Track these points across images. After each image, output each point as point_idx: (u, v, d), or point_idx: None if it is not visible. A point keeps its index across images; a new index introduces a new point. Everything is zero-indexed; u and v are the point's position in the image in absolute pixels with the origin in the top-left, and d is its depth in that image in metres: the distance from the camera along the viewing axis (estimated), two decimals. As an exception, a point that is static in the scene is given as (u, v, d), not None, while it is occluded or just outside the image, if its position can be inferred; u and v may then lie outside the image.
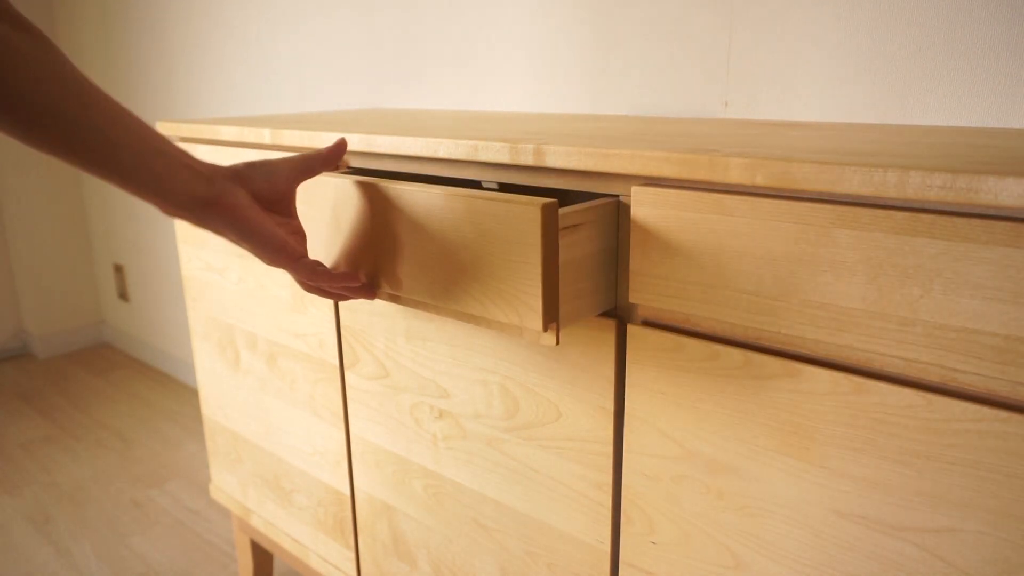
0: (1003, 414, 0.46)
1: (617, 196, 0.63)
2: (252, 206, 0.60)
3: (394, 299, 0.68)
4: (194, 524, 1.61)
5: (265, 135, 0.96)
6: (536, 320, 0.56)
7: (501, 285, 0.58)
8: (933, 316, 0.47)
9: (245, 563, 1.36)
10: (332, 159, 0.67)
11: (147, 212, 2.33)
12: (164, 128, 1.16)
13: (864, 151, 0.55)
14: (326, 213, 0.70)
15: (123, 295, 2.59)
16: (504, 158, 0.67)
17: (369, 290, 0.69)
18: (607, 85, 1.09)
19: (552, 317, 0.56)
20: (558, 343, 0.56)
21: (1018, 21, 0.75)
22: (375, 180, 0.66)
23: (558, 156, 0.64)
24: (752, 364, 0.56)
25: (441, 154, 0.73)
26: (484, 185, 0.71)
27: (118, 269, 2.57)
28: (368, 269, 0.68)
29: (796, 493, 0.56)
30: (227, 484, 1.26)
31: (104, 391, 2.31)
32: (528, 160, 0.66)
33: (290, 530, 1.13)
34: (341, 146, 0.68)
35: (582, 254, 0.60)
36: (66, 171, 2.63)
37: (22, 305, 2.63)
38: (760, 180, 0.52)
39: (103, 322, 2.77)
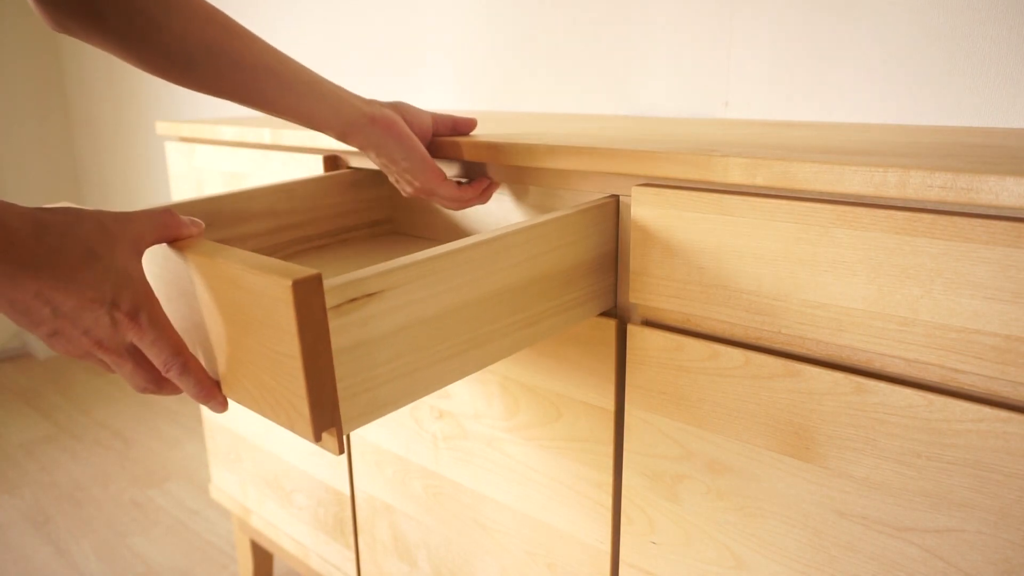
0: (1004, 414, 0.46)
1: (617, 196, 0.63)
2: (408, 127, 0.67)
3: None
4: (194, 524, 1.61)
5: (265, 135, 0.97)
6: (306, 427, 0.45)
7: (266, 378, 0.46)
8: (933, 316, 0.47)
9: (245, 563, 1.36)
10: (463, 130, 0.74)
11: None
12: (164, 128, 1.16)
13: (864, 151, 0.55)
14: (162, 279, 0.55)
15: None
16: (504, 158, 0.67)
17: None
18: (606, 85, 1.09)
19: (328, 422, 0.45)
20: (341, 452, 0.46)
21: (1018, 21, 0.75)
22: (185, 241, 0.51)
23: (558, 156, 0.64)
24: (752, 364, 0.56)
25: (441, 154, 0.73)
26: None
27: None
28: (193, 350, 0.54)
29: (796, 493, 0.56)
30: (227, 484, 1.25)
31: (104, 391, 2.31)
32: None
33: (290, 530, 1.13)
34: (471, 125, 0.75)
35: (383, 331, 0.48)
36: (65, 171, 2.63)
37: (22, 305, 2.63)
38: (760, 180, 0.52)
39: (103, 322, 2.76)
